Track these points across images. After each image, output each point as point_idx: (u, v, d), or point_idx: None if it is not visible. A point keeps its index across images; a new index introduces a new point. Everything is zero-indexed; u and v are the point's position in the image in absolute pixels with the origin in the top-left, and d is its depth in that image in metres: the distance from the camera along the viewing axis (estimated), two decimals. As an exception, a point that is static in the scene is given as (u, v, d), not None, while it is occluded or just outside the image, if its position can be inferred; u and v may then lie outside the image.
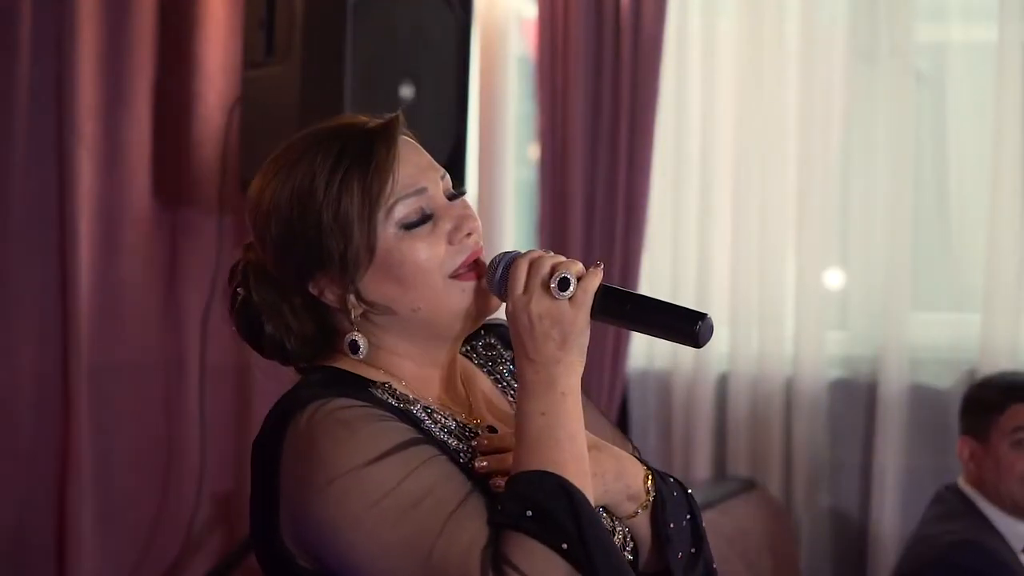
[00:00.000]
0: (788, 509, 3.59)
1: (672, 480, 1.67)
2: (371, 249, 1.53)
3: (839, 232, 3.63)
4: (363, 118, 1.61)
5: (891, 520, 3.50)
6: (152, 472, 3.55)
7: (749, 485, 3.57)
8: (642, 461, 1.64)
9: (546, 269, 1.52)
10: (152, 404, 3.55)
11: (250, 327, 1.62)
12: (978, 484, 2.97)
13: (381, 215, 1.54)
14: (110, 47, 3.43)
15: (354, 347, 1.57)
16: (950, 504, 2.97)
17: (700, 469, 3.65)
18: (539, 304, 1.51)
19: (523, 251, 1.56)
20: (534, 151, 3.82)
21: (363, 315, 1.57)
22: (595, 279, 1.52)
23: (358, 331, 1.57)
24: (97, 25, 3.40)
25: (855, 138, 3.62)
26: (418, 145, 1.62)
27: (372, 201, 1.53)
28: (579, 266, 1.53)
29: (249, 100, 3.28)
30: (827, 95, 3.62)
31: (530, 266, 1.53)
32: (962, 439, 3.02)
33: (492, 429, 1.61)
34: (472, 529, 1.42)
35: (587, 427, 1.59)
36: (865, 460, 3.57)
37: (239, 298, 1.62)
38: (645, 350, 3.72)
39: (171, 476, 3.56)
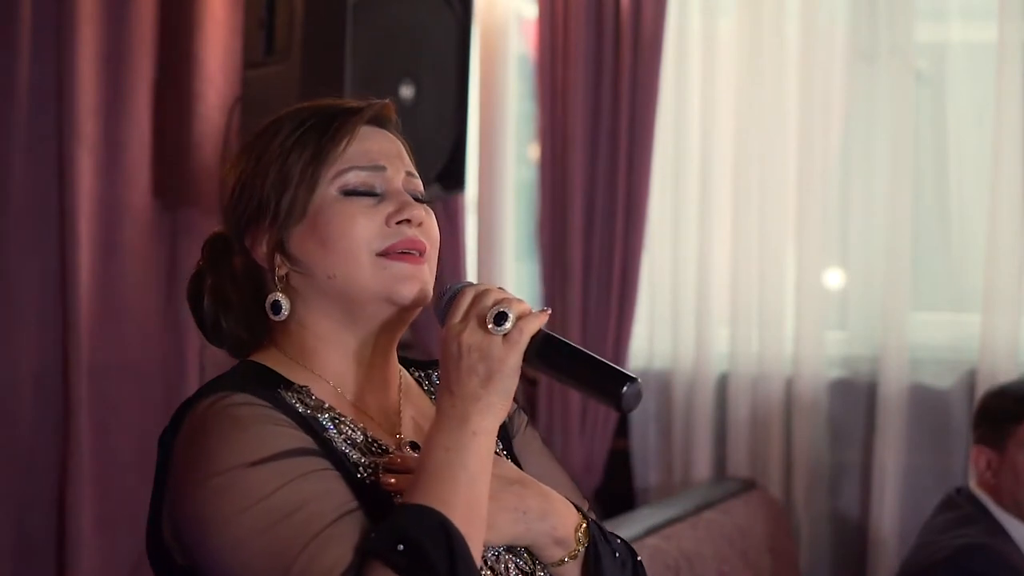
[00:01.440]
0: (788, 509, 3.59)
1: (620, 542, 1.60)
2: (305, 203, 1.51)
3: (839, 232, 3.63)
4: (349, 100, 1.60)
5: (891, 520, 3.49)
6: (152, 472, 3.54)
7: (749, 485, 3.57)
8: (584, 515, 1.56)
9: (488, 302, 1.45)
10: (152, 404, 3.55)
11: (196, 303, 1.61)
12: (994, 492, 2.94)
13: (327, 175, 1.52)
14: (110, 47, 3.43)
15: (276, 307, 1.53)
16: (963, 509, 2.96)
17: (700, 469, 3.65)
18: (471, 335, 1.44)
19: (480, 284, 1.50)
20: (534, 151, 3.82)
21: (287, 279, 1.53)
22: (536, 322, 1.45)
23: (281, 293, 1.53)
24: (97, 25, 3.40)
25: (855, 138, 3.62)
26: (395, 138, 1.59)
27: (320, 160, 1.52)
28: (526, 306, 1.46)
29: (249, 100, 3.28)
30: (827, 95, 3.62)
31: (475, 296, 1.47)
32: (978, 448, 2.97)
33: (415, 446, 1.55)
34: (337, 551, 1.35)
35: (538, 475, 1.54)
36: (865, 460, 3.57)
37: (195, 270, 1.62)
38: (645, 350, 3.72)
39: (171, 476, 3.56)
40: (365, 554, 1.35)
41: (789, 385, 3.59)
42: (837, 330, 3.65)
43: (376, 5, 3.16)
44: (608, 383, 1.44)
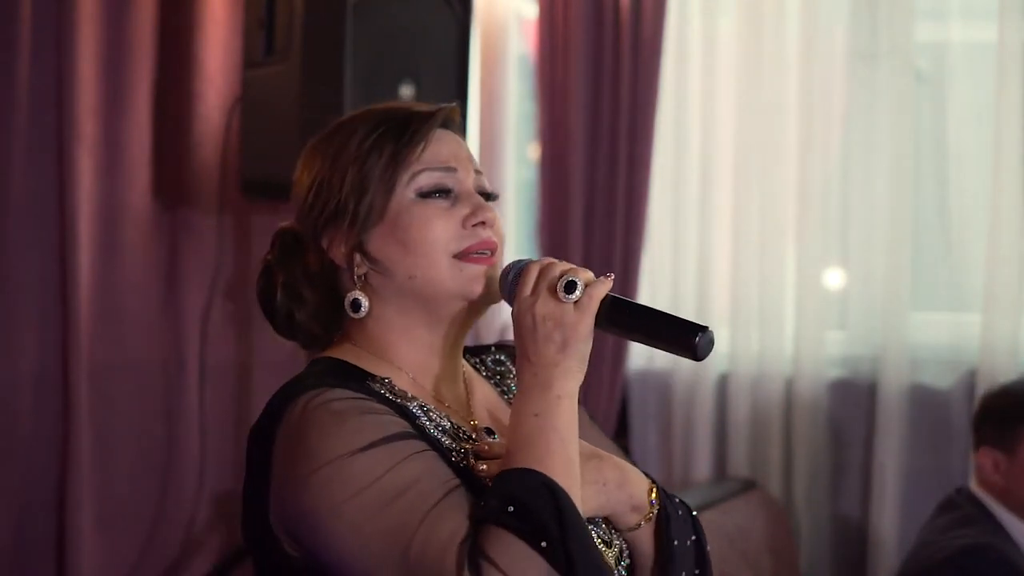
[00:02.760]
0: (788, 509, 3.59)
1: (678, 500, 1.67)
2: (384, 205, 1.57)
3: (839, 232, 3.63)
4: (414, 104, 1.66)
5: (891, 520, 3.50)
6: (152, 472, 3.55)
7: (749, 485, 3.57)
8: (652, 479, 1.64)
9: (555, 273, 1.53)
10: (152, 404, 3.55)
11: (266, 296, 1.65)
12: (1002, 494, 2.93)
13: (404, 178, 1.58)
14: (110, 47, 3.43)
15: (355, 305, 1.59)
16: (964, 509, 2.95)
17: (700, 469, 3.65)
18: (544, 306, 1.51)
19: (542, 259, 1.57)
20: (534, 151, 3.82)
21: (365, 277, 1.59)
22: (603, 287, 1.52)
23: (360, 291, 1.59)
24: (97, 25, 3.40)
25: (855, 138, 3.62)
26: (463, 141, 1.66)
27: (398, 163, 1.58)
28: (589, 274, 1.54)
29: (249, 100, 3.28)
30: (827, 95, 3.62)
31: (541, 270, 1.54)
32: (983, 450, 2.96)
33: (489, 431, 1.62)
34: (452, 523, 1.40)
35: (589, 441, 1.59)
36: (865, 460, 3.57)
37: (263, 265, 1.66)
38: (645, 350, 3.72)
39: (171, 476, 3.56)
40: (478, 521, 1.40)
41: (789, 385, 3.60)
42: (837, 330, 3.65)
43: (376, 5, 3.16)
44: (681, 335, 1.52)
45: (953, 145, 3.58)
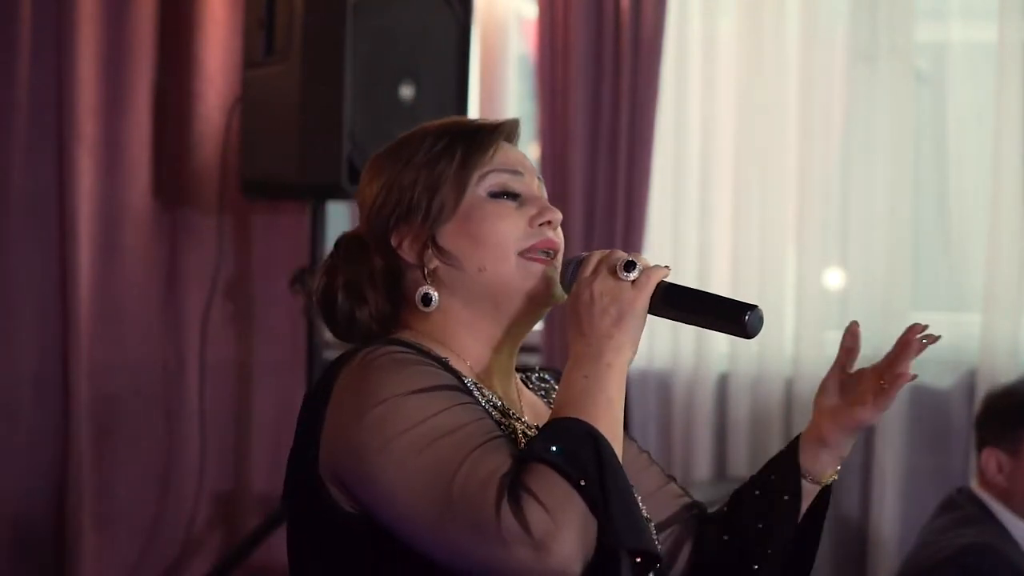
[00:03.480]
0: (788, 509, 3.59)
1: None
2: (457, 202, 1.62)
3: (839, 232, 3.63)
4: (483, 119, 1.71)
5: (891, 520, 3.49)
6: (152, 472, 3.55)
7: (749, 485, 3.56)
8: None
9: (616, 256, 1.58)
10: (152, 404, 3.55)
11: (327, 299, 1.68)
12: (1006, 495, 2.91)
13: (474, 178, 1.63)
14: (110, 47, 3.44)
15: (426, 300, 1.63)
16: (965, 509, 2.94)
17: (700, 469, 3.65)
18: (603, 283, 1.56)
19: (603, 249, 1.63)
20: (534, 151, 3.82)
21: (435, 271, 1.63)
22: (660, 272, 1.57)
23: (431, 286, 1.63)
24: (97, 25, 3.40)
25: (855, 138, 3.62)
26: (525, 154, 1.71)
27: (468, 165, 1.63)
28: (648, 260, 1.59)
29: (249, 100, 3.28)
30: (827, 95, 3.62)
31: (603, 255, 1.59)
32: (988, 451, 2.92)
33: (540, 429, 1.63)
34: (497, 460, 1.43)
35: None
36: (865, 460, 3.57)
37: (324, 268, 1.69)
38: (645, 350, 3.72)
39: (171, 476, 3.56)
40: (522, 459, 1.43)
41: (789, 385, 3.59)
42: (837, 330, 3.63)
43: (376, 5, 3.16)
44: (731, 314, 1.57)
45: (953, 145, 3.58)
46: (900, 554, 3.35)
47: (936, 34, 3.61)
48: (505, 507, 1.39)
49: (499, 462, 1.43)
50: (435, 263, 1.63)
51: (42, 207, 3.37)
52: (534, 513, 1.38)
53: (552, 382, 1.81)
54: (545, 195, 1.69)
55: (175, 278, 3.56)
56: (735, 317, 1.57)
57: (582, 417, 1.48)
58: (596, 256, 1.60)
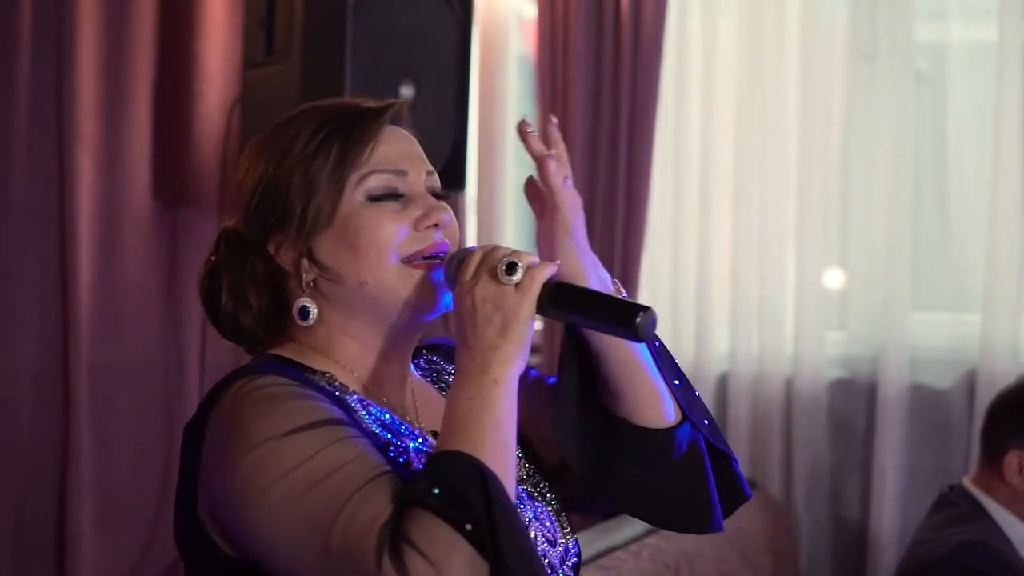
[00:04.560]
0: (788, 509, 3.59)
1: None
2: (333, 209, 1.52)
3: (839, 232, 3.63)
4: (362, 99, 1.60)
5: (891, 520, 3.50)
6: (152, 472, 3.55)
7: (749, 485, 3.56)
8: None
9: (497, 256, 1.48)
10: (152, 404, 3.55)
11: (211, 298, 1.61)
12: (1014, 499, 2.89)
13: (352, 180, 1.53)
14: (110, 47, 3.43)
15: (303, 313, 1.54)
16: (958, 507, 2.94)
17: (700, 469, 3.65)
18: (484, 288, 1.46)
19: (486, 244, 1.52)
20: (534, 151, 3.81)
21: (314, 283, 1.54)
22: (545, 270, 1.47)
23: (309, 298, 1.54)
24: (97, 25, 3.40)
25: (855, 138, 3.62)
26: (412, 138, 1.61)
27: (345, 165, 1.52)
28: (533, 257, 1.49)
29: (249, 100, 3.28)
30: (827, 95, 3.62)
31: (484, 254, 1.49)
32: (1014, 452, 2.86)
33: (436, 434, 1.56)
34: (377, 505, 1.35)
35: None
36: (865, 460, 3.58)
37: (208, 266, 1.61)
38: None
39: (171, 476, 3.56)
40: (403, 503, 1.35)
41: (789, 385, 3.60)
42: (837, 330, 3.65)
43: (376, 5, 3.16)
44: (622, 316, 1.47)
45: (953, 145, 3.58)
46: (900, 554, 3.35)
47: (936, 34, 3.62)
48: (386, 560, 1.31)
49: (378, 509, 1.34)
50: (313, 275, 1.54)
51: (42, 207, 3.37)
52: (416, 565, 1.31)
53: (442, 363, 1.72)
54: (437, 182, 1.59)
55: (175, 278, 3.55)
56: (626, 319, 1.46)
57: (467, 447, 1.39)
58: (477, 256, 1.49)
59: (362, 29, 3.13)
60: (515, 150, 3.87)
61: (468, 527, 1.33)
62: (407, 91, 3.21)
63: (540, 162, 1.57)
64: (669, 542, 3.02)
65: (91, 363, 3.40)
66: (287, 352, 1.56)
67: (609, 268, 3.80)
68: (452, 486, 1.35)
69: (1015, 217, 3.43)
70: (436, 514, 1.33)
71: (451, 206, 1.59)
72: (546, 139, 1.60)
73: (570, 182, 1.58)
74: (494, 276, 1.46)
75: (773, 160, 3.60)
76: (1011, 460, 2.87)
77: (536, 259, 1.49)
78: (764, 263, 3.61)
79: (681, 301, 3.67)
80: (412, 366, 1.67)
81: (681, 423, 1.63)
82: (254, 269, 1.57)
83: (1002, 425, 2.93)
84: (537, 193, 1.59)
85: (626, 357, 1.60)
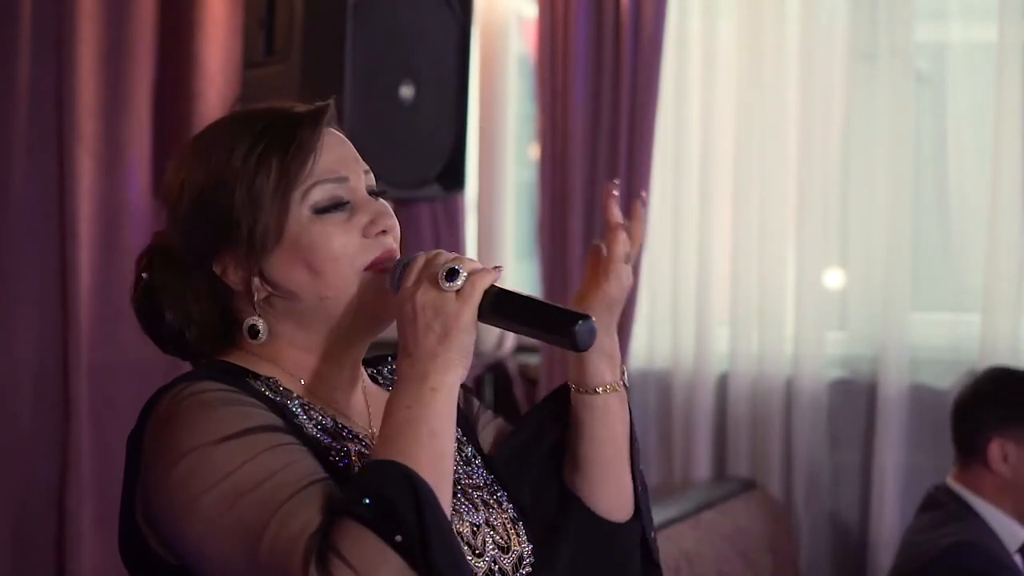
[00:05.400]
0: (788, 509, 3.59)
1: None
2: (280, 228, 1.48)
3: (839, 232, 3.63)
4: (290, 104, 1.57)
5: (891, 520, 3.50)
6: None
7: (749, 485, 3.57)
8: None
9: (439, 262, 1.45)
10: (152, 404, 3.54)
11: (150, 315, 1.59)
12: (1001, 489, 2.90)
13: (297, 195, 1.49)
14: (110, 47, 3.43)
15: (253, 332, 1.52)
16: (946, 507, 2.94)
17: (700, 469, 3.65)
18: (424, 295, 1.43)
19: (431, 251, 1.50)
20: (534, 151, 3.82)
21: (266, 299, 1.51)
22: (487, 277, 1.45)
23: (259, 315, 1.51)
24: (97, 25, 3.40)
25: (855, 138, 3.62)
26: (344, 138, 1.58)
27: (289, 180, 1.49)
28: (475, 263, 1.46)
29: (249, 100, 3.28)
30: (827, 95, 3.62)
31: (426, 261, 1.47)
32: (996, 441, 2.89)
33: None
34: (306, 516, 1.33)
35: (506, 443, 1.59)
36: (865, 460, 3.58)
37: (142, 284, 1.59)
38: (645, 350, 3.72)
39: (171, 476, 3.56)
40: (333, 513, 1.34)
41: (789, 385, 3.60)
42: (837, 330, 3.65)
43: (376, 5, 3.16)
44: (560, 323, 1.44)
45: (953, 145, 3.58)
46: (900, 554, 3.35)
47: (936, 34, 3.62)
48: (313, 570, 1.30)
49: (307, 518, 1.33)
50: (264, 293, 1.50)
51: (42, 207, 3.36)
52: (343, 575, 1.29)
53: None
54: (373, 180, 1.55)
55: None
56: (564, 328, 1.43)
57: (400, 456, 1.36)
58: (419, 262, 1.47)
59: (362, 29, 3.13)
60: (515, 150, 3.86)
61: (398, 538, 1.31)
62: (407, 91, 3.21)
63: (611, 229, 1.57)
64: (669, 542, 3.02)
65: (91, 363, 3.40)
66: (232, 358, 1.55)
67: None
68: (382, 495, 1.33)
69: (1015, 217, 3.43)
70: (365, 524, 1.32)
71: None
72: (628, 211, 1.60)
73: (631, 263, 1.58)
74: (435, 282, 1.44)
75: (773, 160, 3.60)
76: (994, 450, 2.89)
77: (479, 265, 1.46)
78: (764, 263, 3.61)
79: (681, 301, 3.67)
80: (374, 372, 1.66)
81: (630, 522, 1.64)
82: (196, 288, 1.54)
83: (978, 418, 2.95)
84: (596, 259, 1.59)
85: (607, 437, 1.61)
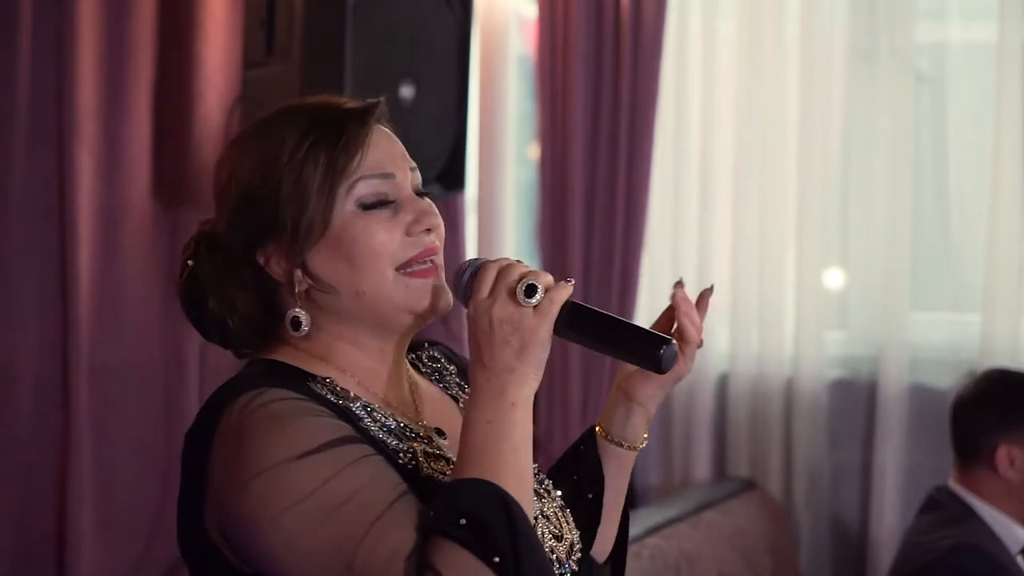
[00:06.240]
0: (788, 509, 3.60)
1: None
2: (325, 221, 1.50)
3: (839, 232, 3.64)
4: (342, 99, 1.58)
5: (891, 520, 3.50)
6: (152, 472, 3.55)
7: (749, 485, 3.57)
8: None
9: (514, 276, 1.47)
10: (152, 404, 3.55)
11: (194, 302, 1.59)
12: (1006, 495, 2.89)
13: (342, 190, 1.51)
14: (110, 47, 3.43)
15: (295, 323, 1.52)
16: (947, 508, 2.94)
17: (700, 469, 3.65)
18: (502, 309, 1.45)
19: (494, 258, 1.51)
20: (534, 151, 3.82)
21: (307, 292, 1.53)
22: (564, 292, 1.47)
23: (301, 308, 1.52)
24: (97, 25, 3.40)
25: (855, 138, 3.62)
26: (393, 135, 1.59)
27: (336, 174, 1.50)
28: (549, 278, 1.48)
29: (249, 100, 3.28)
30: (827, 95, 3.62)
31: (499, 272, 1.48)
32: (1003, 446, 2.88)
33: (440, 432, 1.58)
34: (398, 535, 1.36)
35: None
36: (865, 460, 3.58)
37: (187, 270, 1.60)
38: (645, 350, 3.72)
39: (171, 476, 3.56)
40: (427, 533, 1.36)
41: (789, 385, 3.60)
42: (837, 330, 3.65)
43: (376, 5, 3.16)
44: (644, 346, 1.48)
45: (953, 145, 3.58)
46: (900, 554, 3.35)
47: (936, 34, 3.62)
48: None
49: (402, 538, 1.35)
50: (306, 285, 1.52)
51: (42, 207, 3.37)
52: None
53: (443, 360, 1.72)
54: (419, 178, 1.57)
55: (175, 278, 3.55)
56: (649, 351, 1.48)
57: (488, 475, 1.39)
58: (492, 271, 1.48)
59: (362, 29, 3.13)
60: (515, 150, 3.86)
61: (496, 559, 1.34)
62: (407, 91, 3.21)
63: (685, 315, 1.71)
64: (669, 542, 3.02)
65: (91, 363, 3.40)
66: (284, 357, 1.55)
67: (609, 268, 3.81)
68: (477, 516, 1.36)
69: (1015, 217, 3.43)
70: (463, 546, 1.34)
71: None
72: (699, 301, 1.74)
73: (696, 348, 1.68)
74: (512, 296, 1.46)
75: (773, 160, 3.60)
76: (1002, 454, 2.88)
77: (551, 279, 1.48)
78: (764, 263, 3.61)
79: (681, 301, 3.67)
80: (414, 359, 1.68)
81: (603, 565, 1.72)
82: (242, 277, 1.55)
83: (981, 421, 2.93)
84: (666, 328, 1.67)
85: (615, 486, 1.71)
